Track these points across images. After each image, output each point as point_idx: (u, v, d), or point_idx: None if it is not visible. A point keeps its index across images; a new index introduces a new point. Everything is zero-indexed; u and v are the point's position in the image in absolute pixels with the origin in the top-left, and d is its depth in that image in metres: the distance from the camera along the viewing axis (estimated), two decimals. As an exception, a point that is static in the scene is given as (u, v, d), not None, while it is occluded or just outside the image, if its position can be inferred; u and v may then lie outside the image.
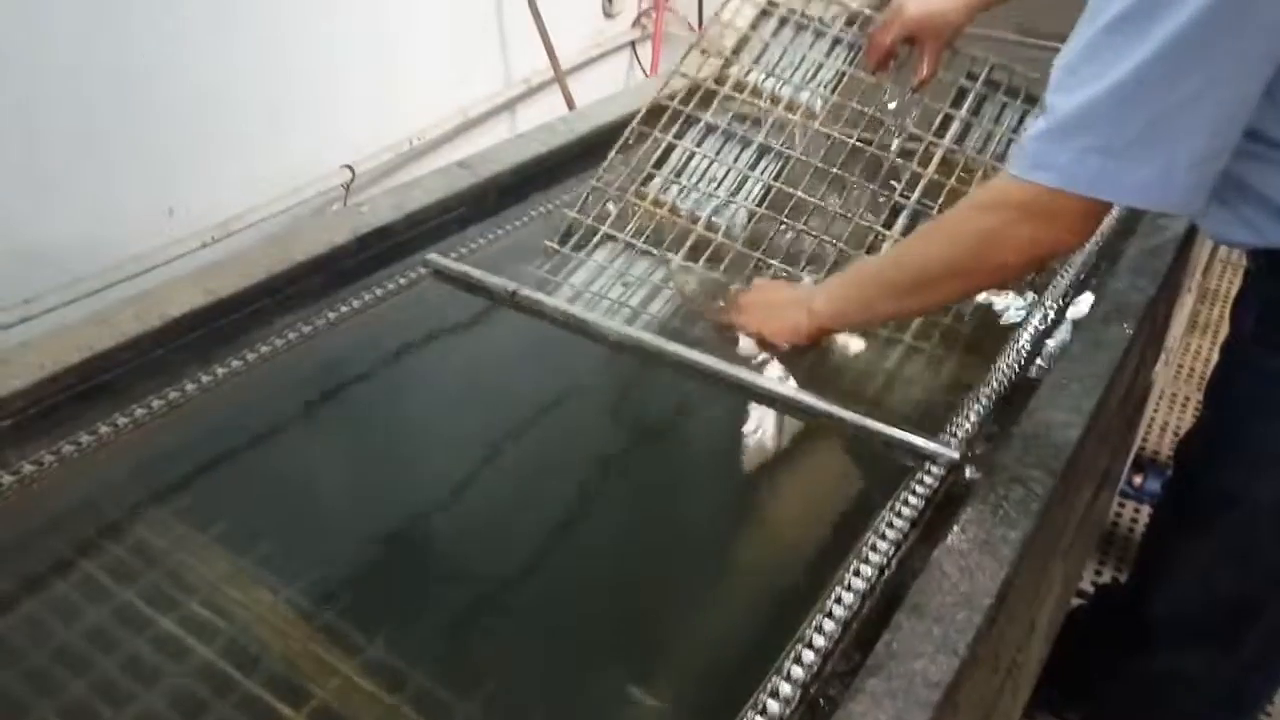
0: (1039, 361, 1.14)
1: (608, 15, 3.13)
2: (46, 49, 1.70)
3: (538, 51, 2.72)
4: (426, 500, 0.93)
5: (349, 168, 2.34)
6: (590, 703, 0.72)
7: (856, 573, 0.80)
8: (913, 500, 0.89)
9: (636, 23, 3.25)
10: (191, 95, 1.97)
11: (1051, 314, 1.23)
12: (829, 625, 0.74)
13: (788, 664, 0.71)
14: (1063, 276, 1.30)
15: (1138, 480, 2.24)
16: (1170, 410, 2.58)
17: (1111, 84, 0.80)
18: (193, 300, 1.09)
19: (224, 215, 2.05)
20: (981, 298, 1.25)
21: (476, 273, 1.23)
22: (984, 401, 1.04)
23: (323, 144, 2.31)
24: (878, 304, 1.07)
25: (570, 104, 2.74)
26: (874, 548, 0.83)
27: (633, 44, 3.26)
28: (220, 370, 1.04)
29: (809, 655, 0.72)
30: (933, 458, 0.94)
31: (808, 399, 1.03)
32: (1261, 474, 1.10)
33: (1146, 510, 2.20)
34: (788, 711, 0.68)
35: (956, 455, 0.94)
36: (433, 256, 1.27)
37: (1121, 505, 2.22)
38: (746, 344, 1.13)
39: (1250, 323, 1.10)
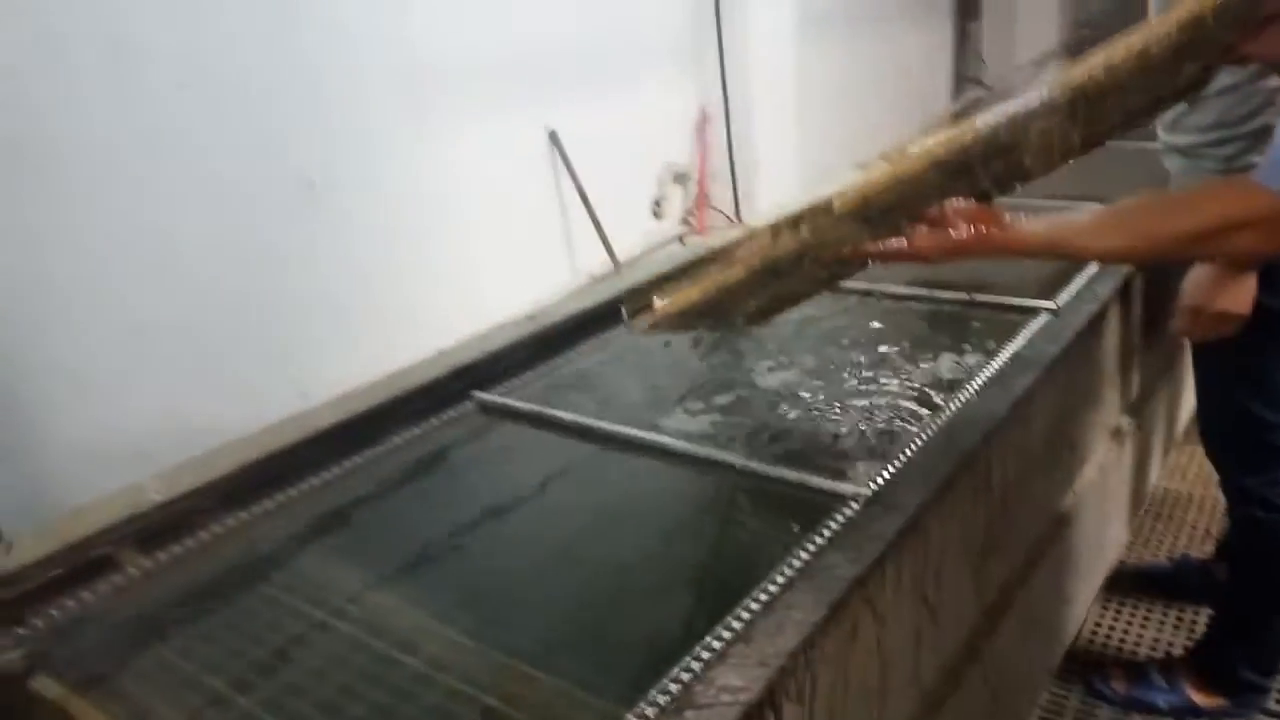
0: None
1: (657, 216, 3.50)
2: (193, 253, 2.06)
3: (599, 249, 3.08)
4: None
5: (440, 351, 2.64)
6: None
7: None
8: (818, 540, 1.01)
9: (683, 220, 3.61)
10: (320, 290, 2.31)
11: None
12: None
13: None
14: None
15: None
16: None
17: None
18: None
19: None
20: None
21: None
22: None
23: (421, 332, 2.62)
24: (1118, 236, 1.08)
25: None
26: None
27: (680, 237, 3.61)
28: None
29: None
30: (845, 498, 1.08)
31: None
32: None
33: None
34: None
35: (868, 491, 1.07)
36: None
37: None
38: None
39: None
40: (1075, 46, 6.10)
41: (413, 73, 2.53)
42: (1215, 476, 1.78)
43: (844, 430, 1.30)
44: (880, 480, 1.10)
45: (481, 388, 1.51)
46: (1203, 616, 2.03)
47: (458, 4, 2.62)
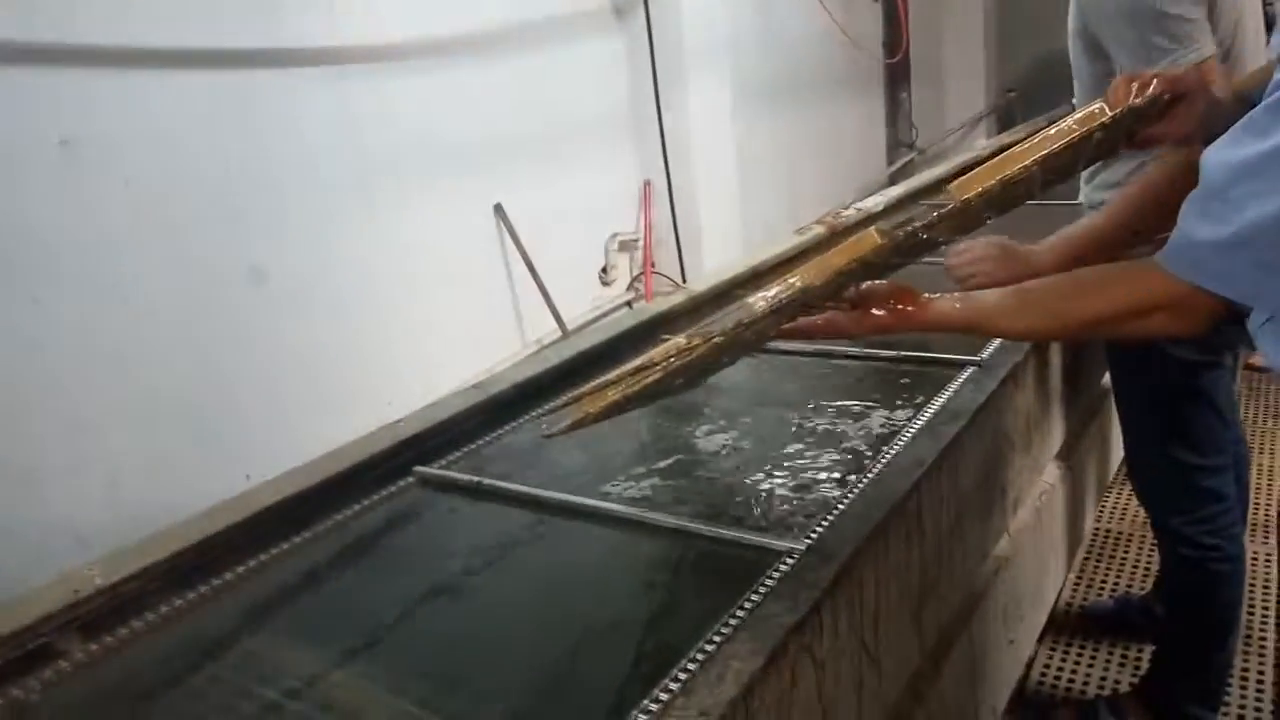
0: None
1: (604, 283, 3.56)
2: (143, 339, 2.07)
3: (548, 317, 3.12)
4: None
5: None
6: None
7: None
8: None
9: (630, 286, 3.68)
10: (249, 377, 2.32)
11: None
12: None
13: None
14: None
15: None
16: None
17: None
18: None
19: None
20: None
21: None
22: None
23: (372, 408, 2.62)
24: (1028, 317, 1.08)
25: (578, 354, 3.09)
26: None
27: (629, 303, 3.67)
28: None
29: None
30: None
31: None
32: None
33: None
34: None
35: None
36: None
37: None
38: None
39: None
40: (1002, 109, 6.38)
41: (362, 157, 2.59)
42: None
43: (780, 488, 1.33)
44: (815, 533, 1.13)
45: (425, 460, 1.52)
46: (1147, 653, 2.07)
47: (406, 90, 2.69)
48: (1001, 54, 6.33)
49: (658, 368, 0.96)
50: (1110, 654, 2.18)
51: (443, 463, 1.51)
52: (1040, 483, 1.80)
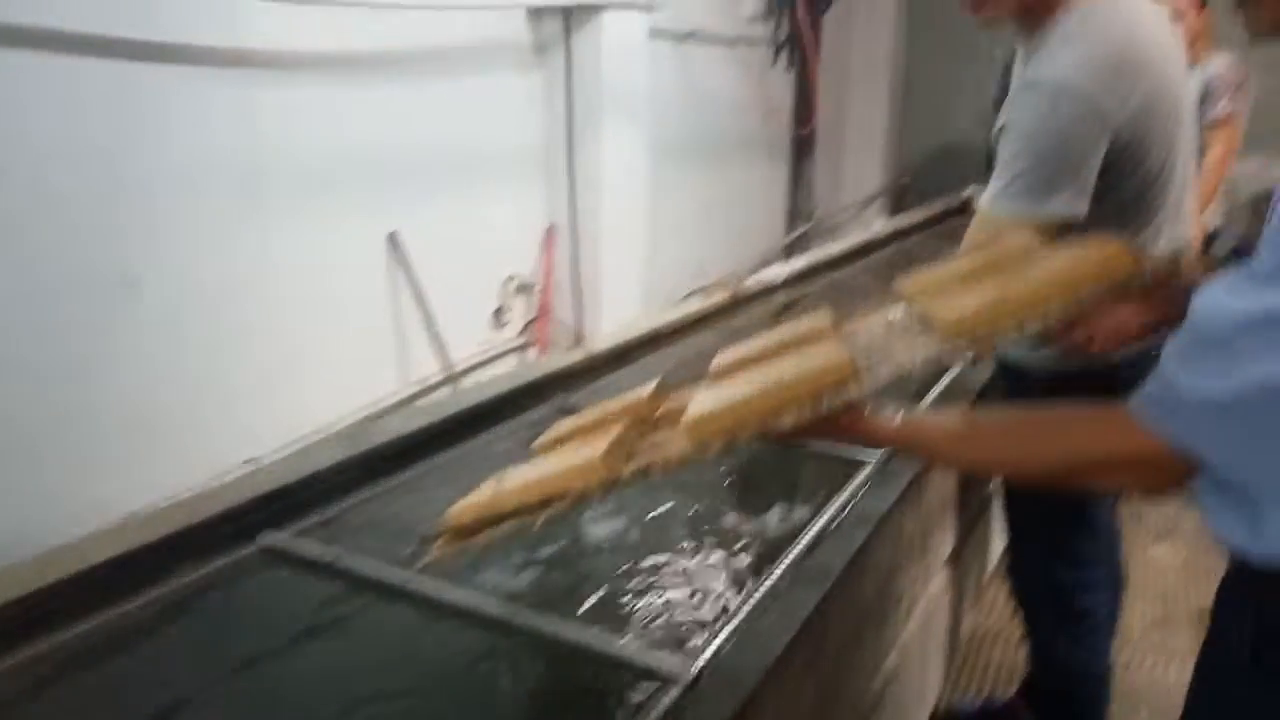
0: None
1: (497, 324, 3.40)
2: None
3: (433, 355, 2.94)
4: None
5: (251, 460, 2.41)
6: None
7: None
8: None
9: (523, 331, 3.53)
10: (113, 398, 2.07)
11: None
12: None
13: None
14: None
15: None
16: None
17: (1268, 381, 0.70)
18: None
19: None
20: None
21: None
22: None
23: (241, 437, 2.40)
24: (974, 452, 0.95)
25: (461, 398, 2.92)
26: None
27: (521, 348, 3.52)
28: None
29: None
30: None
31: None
32: None
33: None
34: None
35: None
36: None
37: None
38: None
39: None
40: (895, 192, 6.57)
41: (256, 167, 2.38)
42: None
43: (672, 589, 1.21)
44: (709, 654, 1.01)
45: (278, 522, 1.33)
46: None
47: (311, 102, 2.51)
48: (898, 139, 6.54)
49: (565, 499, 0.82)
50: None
51: (296, 529, 1.33)
52: (929, 589, 1.75)
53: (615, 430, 0.86)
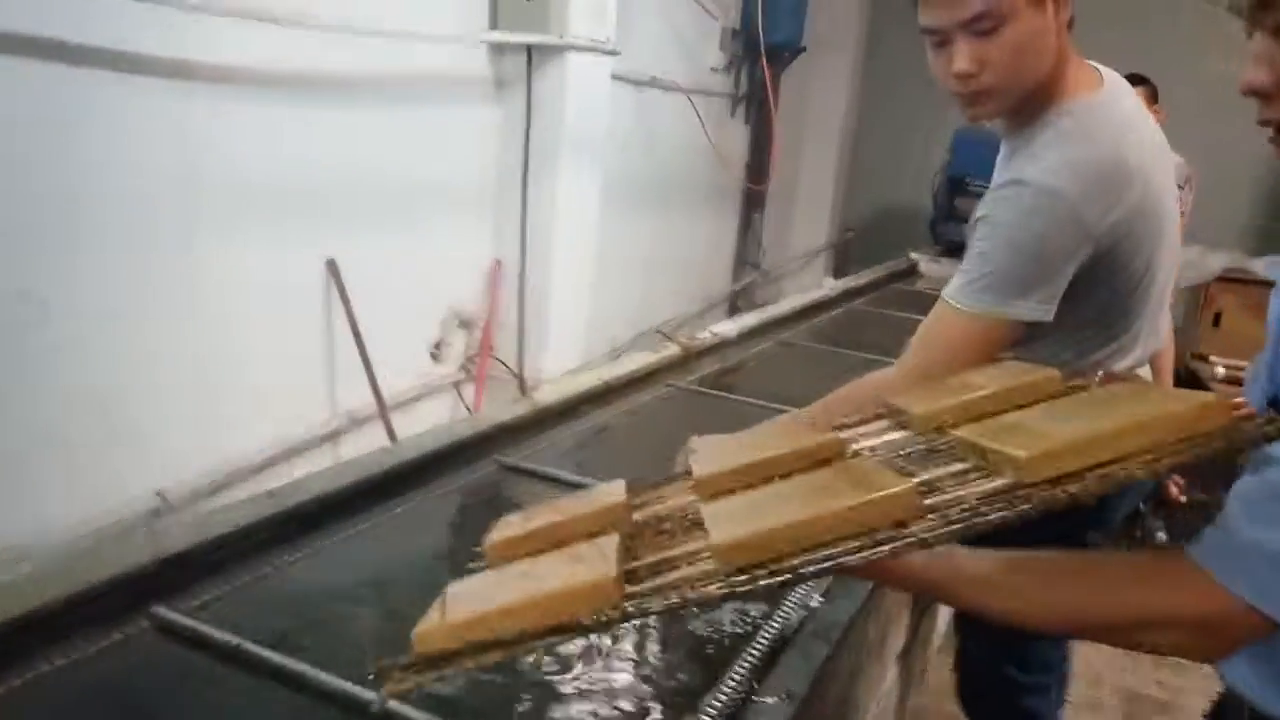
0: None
1: (435, 358, 3.26)
2: None
3: (366, 386, 2.79)
4: None
5: (160, 494, 2.23)
6: None
7: None
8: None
9: (463, 367, 3.39)
10: (13, 422, 1.89)
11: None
12: None
13: None
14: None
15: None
16: None
17: None
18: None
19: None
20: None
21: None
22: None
23: (152, 467, 2.22)
24: (1015, 601, 0.84)
25: (392, 437, 2.77)
26: None
27: (457, 385, 3.37)
28: None
29: None
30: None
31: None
32: None
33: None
34: None
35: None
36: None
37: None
38: None
39: None
40: (840, 246, 6.63)
41: (189, 182, 2.23)
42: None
43: (624, 707, 1.09)
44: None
45: (177, 591, 1.18)
46: None
47: (253, 119, 2.36)
48: (845, 198, 6.61)
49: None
50: None
51: (199, 602, 1.17)
52: (881, 688, 1.67)
53: (611, 544, 0.74)
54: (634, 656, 1.16)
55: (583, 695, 1.08)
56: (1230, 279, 3.77)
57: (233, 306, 2.41)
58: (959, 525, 0.67)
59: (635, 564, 0.74)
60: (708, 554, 0.70)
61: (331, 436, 2.83)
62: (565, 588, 0.69)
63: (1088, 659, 2.89)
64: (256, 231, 2.43)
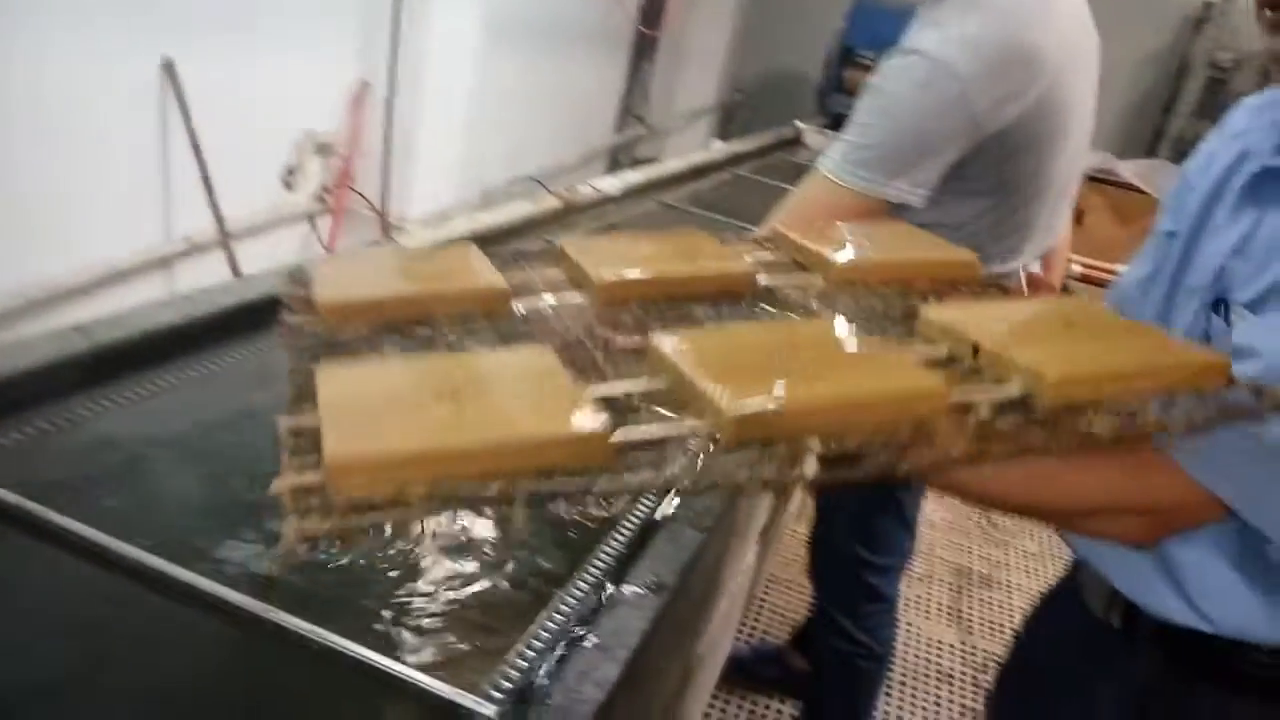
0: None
1: (288, 187, 2.95)
2: None
3: (207, 210, 2.49)
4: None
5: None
6: None
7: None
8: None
9: (318, 198, 3.10)
10: None
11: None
12: None
13: None
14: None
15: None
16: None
17: None
18: None
19: None
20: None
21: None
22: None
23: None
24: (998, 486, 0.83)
25: (235, 270, 2.51)
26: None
27: (312, 217, 3.09)
28: None
29: None
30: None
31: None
32: None
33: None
34: None
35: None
36: None
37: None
38: None
39: None
40: (729, 108, 6.44)
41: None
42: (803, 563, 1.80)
43: (478, 578, 1.00)
44: (516, 675, 0.82)
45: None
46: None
47: None
48: (737, 58, 6.38)
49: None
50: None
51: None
52: (742, 565, 1.65)
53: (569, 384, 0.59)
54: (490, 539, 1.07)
55: (431, 582, 0.97)
56: (1097, 179, 3.85)
57: (56, 114, 2.06)
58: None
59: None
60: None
61: (164, 263, 2.55)
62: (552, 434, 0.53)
63: (924, 536, 3.05)
64: (82, 25, 2.06)
